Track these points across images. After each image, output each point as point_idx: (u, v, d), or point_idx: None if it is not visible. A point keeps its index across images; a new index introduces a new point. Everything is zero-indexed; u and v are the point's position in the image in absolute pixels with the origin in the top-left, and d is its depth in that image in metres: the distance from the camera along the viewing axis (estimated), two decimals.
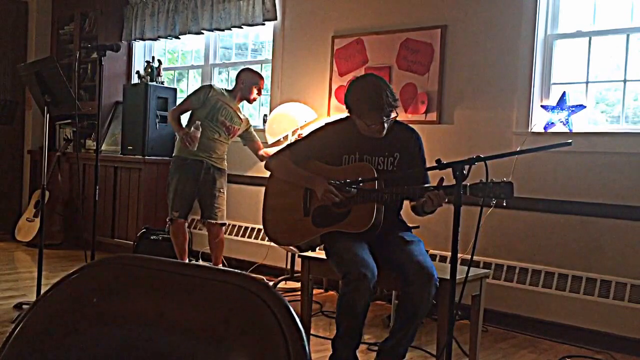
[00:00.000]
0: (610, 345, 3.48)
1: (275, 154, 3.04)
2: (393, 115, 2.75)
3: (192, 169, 4.43)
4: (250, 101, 4.61)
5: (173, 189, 4.47)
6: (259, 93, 4.60)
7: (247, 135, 4.67)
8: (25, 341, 0.96)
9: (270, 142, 4.78)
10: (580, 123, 3.82)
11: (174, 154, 4.56)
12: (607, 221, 3.61)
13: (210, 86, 4.59)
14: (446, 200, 2.51)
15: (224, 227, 4.63)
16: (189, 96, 4.55)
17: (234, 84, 4.66)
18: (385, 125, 2.74)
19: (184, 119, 4.61)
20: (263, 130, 4.93)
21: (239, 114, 4.57)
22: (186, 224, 4.63)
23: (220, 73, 5.94)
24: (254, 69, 4.77)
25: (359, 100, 2.72)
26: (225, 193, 4.59)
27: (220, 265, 4.69)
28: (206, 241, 5.49)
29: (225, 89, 4.61)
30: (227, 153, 5.61)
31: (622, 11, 3.77)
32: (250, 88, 4.54)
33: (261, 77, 4.63)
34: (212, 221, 4.51)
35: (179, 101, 5.80)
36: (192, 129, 4.30)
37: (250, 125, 4.69)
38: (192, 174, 4.44)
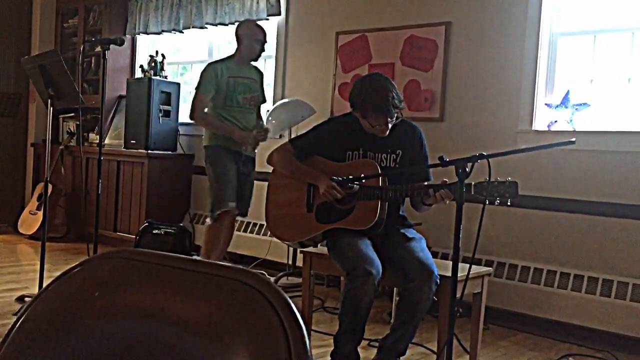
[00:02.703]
0: (611, 344, 3.47)
1: (278, 148, 3.03)
2: (397, 116, 2.75)
3: (233, 159, 4.11)
4: (256, 59, 4.21)
5: (222, 178, 4.04)
6: (263, 48, 4.18)
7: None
8: (27, 334, 0.96)
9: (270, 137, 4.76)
10: (584, 121, 3.81)
11: (206, 144, 4.15)
12: (610, 220, 3.60)
13: (211, 65, 4.14)
14: (452, 198, 2.51)
15: None
16: (198, 89, 4.09)
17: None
18: (390, 125, 2.74)
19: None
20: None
21: (252, 76, 4.20)
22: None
23: None
24: (251, 20, 4.45)
25: (364, 100, 2.72)
26: None
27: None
28: None
29: (227, 57, 4.20)
30: None
31: (627, 9, 3.75)
32: (251, 45, 4.13)
33: (260, 28, 4.18)
34: (240, 217, 4.30)
35: (182, 96, 5.82)
36: (256, 131, 4.05)
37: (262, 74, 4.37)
38: (234, 164, 4.11)
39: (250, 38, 4.11)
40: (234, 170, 4.09)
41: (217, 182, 4.07)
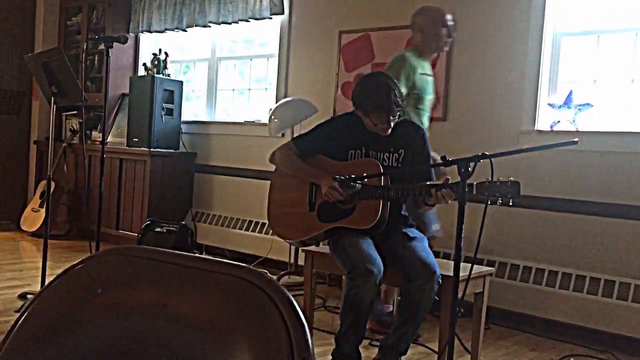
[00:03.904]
0: (613, 345, 3.47)
1: (280, 147, 3.03)
2: (400, 115, 2.75)
3: None
4: (442, 50, 3.54)
5: None
6: (449, 34, 3.46)
7: None
8: (29, 331, 0.96)
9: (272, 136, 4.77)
10: (587, 122, 3.80)
11: None
12: (612, 221, 3.60)
13: (405, 56, 3.39)
14: (454, 198, 2.51)
15: None
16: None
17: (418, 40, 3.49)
18: (391, 124, 2.75)
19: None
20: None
21: (431, 73, 3.55)
22: None
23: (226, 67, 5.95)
24: (429, 6, 3.59)
25: (367, 98, 2.72)
26: None
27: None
28: (211, 235, 5.52)
29: (411, 50, 3.47)
30: (230, 146, 5.64)
31: (630, 9, 3.74)
32: (437, 33, 3.42)
33: (442, 12, 3.47)
34: None
35: (185, 95, 5.82)
36: None
37: None
38: None
39: (432, 27, 3.43)
40: None
41: None
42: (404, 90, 3.17)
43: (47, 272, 3.59)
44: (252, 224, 5.28)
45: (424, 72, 3.42)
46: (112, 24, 6.18)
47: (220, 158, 5.64)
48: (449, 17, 3.47)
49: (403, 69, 3.30)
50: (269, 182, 3.08)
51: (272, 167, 3.06)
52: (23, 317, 0.97)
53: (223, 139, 5.62)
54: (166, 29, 5.93)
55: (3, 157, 6.67)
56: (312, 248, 3.00)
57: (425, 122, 3.45)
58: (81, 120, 6.20)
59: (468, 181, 2.19)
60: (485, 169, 2.20)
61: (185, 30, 5.83)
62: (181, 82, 5.79)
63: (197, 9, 5.64)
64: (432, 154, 3.07)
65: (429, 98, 3.46)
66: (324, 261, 2.93)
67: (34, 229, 5.93)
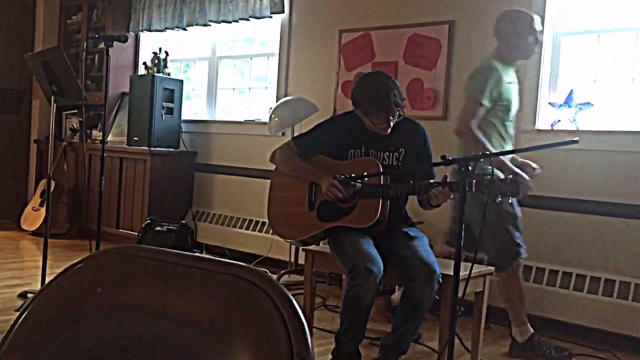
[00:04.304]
0: (613, 345, 3.47)
1: (280, 146, 3.03)
2: (400, 114, 2.75)
3: None
4: (529, 57, 3.29)
5: (503, 219, 3.15)
6: (537, 40, 3.21)
7: None
8: (29, 330, 0.96)
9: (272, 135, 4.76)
10: (587, 121, 3.80)
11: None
12: (612, 220, 3.59)
13: (490, 62, 3.16)
14: (452, 196, 2.51)
15: None
16: (471, 92, 3.13)
17: (495, 44, 3.26)
18: (391, 124, 2.75)
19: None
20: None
21: (516, 81, 3.29)
22: None
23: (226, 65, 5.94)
24: (515, 9, 3.29)
25: (366, 98, 2.72)
26: None
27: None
28: (211, 234, 5.52)
29: (495, 57, 3.21)
30: (230, 145, 5.64)
31: (631, 9, 3.74)
32: (524, 40, 3.18)
33: (529, 15, 3.22)
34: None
35: (185, 94, 5.82)
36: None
37: None
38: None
39: (519, 33, 3.18)
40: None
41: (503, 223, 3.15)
42: (486, 102, 3.07)
43: (47, 271, 3.59)
44: (253, 223, 5.28)
45: (510, 80, 3.19)
46: (112, 22, 6.18)
47: (220, 157, 5.64)
48: (536, 21, 3.20)
49: (490, 79, 3.09)
50: (269, 181, 3.08)
51: (272, 167, 3.06)
52: (23, 317, 0.97)
53: (223, 138, 5.62)
54: (166, 28, 5.93)
55: (3, 156, 6.67)
56: (312, 247, 3.00)
57: (512, 133, 3.23)
58: (81, 119, 6.20)
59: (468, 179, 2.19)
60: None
61: (185, 29, 5.83)
62: (181, 81, 5.79)
63: (198, 8, 5.63)
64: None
65: (516, 107, 3.23)
66: (324, 260, 2.93)
67: (34, 228, 5.93)
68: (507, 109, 3.15)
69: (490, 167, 2.91)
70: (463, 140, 3.15)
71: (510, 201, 3.01)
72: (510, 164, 3.08)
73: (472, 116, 3.07)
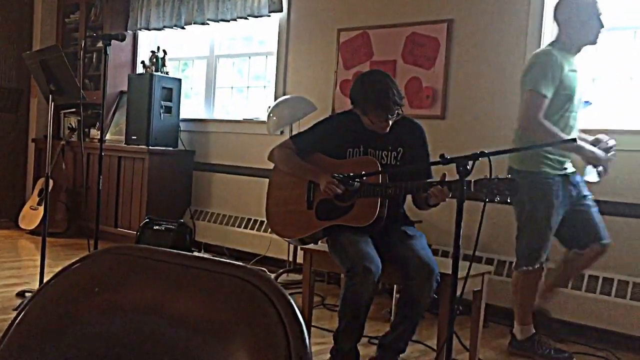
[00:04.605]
0: (612, 343, 3.47)
1: (278, 145, 3.03)
2: (398, 112, 2.75)
3: (561, 190, 3.09)
4: (593, 42, 3.09)
5: (543, 224, 3.08)
6: (601, 25, 3.04)
7: None
8: (27, 329, 0.96)
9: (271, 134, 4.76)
10: (586, 120, 3.80)
11: (524, 169, 3.08)
12: (610, 219, 3.59)
13: (547, 52, 3.03)
14: (450, 195, 2.51)
15: None
16: (531, 84, 2.97)
17: (555, 33, 3.13)
18: (390, 122, 2.74)
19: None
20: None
21: (579, 69, 3.12)
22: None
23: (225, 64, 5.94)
24: None
25: (365, 97, 2.72)
26: None
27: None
28: (209, 233, 5.52)
29: (555, 44, 3.07)
30: (229, 144, 5.64)
31: (629, 8, 3.74)
32: (586, 25, 3.02)
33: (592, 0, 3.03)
34: (604, 242, 3.19)
35: (183, 92, 5.82)
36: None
37: None
38: (561, 197, 3.09)
39: (584, 17, 3.02)
40: (560, 209, 3.10)
41: (528, 225, 3.13)
42: (549, 91, 2.93)
43: (46, 270, 3.59)
44: (251, 222, 5.28)
45: (572, 68, 3.03)
46: (110, 21, 6.17)
47: (218, 156, 5.64)
48: (599, 4, 3.02)
49: (548, 68, 2.94)
50: (267, 180, 3.07)
51: (271, 165, 3.06)
52: (21, 316, 0.97)
53: (221, 137, 5.62)
54: (164, 27, 5.92)
55: (1, 155, 6.66)
56: (311, 246, 3.00)
57: (575, 125, 3.09)
58: (79, 118, 6.19)
59: (466, 179, 2.19)
60: (484, 168, 2.20)
61: (183, 28, 5.82)
62: (179, 80, 5.79)
63: (196, 7, 5.63)
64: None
65: (579, 97, 3.07)
66: (323, 259, 2.93)
67: (32, 227, 5.93)
68: (569, 98, 3.01)
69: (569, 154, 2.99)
70: (532, 135, 3.00)
71: (588, 200, 3.14)
72: (587, 147, 3.02)
73: (537, 109, 2.94)
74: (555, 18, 3.11)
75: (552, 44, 3.09)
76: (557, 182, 3.06)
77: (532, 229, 3.11)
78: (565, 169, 3.09)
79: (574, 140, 2.56)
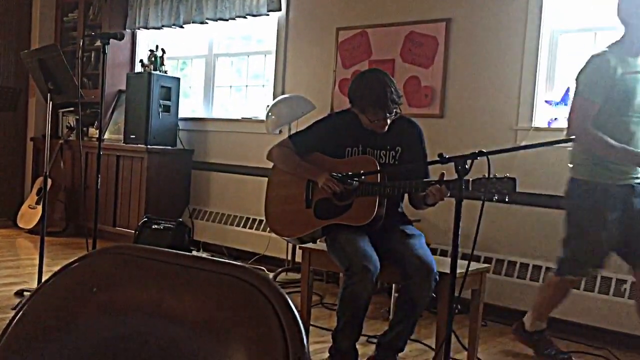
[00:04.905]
0: (609, 342, 3.48)
1: (277, 144, 3.03)
2: (396, 112, 2.75)
3: (620, 201, 2.88)
4: None
5: (591, 238, 2.93)
6: None
7: None
8: (25, 328, 0.96)
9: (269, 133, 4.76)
10: None
11: (580, 177, 2.93)
12: None
13: (598, 58, 2.84)
14: (448, 194, 2.51)
15: None
16: (580, 91, 2.85)
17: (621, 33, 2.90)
18: (388, 121, 2.74)
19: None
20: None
21: None
22: None
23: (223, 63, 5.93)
24: None
25: (363, 96, 2.72)
26: None
27: None
28: (208, 232, 5.52)
29: (614, 44, 2.89)
30: (227, 143, 5.64)
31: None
32: None
33: None
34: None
35: (182, 91, 5.82)
36: None
37: None
38: (620, 209, 2.87)
39: None
40: (617, 223, 2.88)
41: (577, 240, 3.00)
42: (598, 97, 2.78)
43: (44, 269, 3.58)
44: (250, 221, 5.28)
45: (630, 70, 2.81)
46: (108, 20, 6.17)
47: (217, 155, 5.64)
48: None
49: (599, 72, 2.80)
50: (266, 179, 3.07)
51: (270, 164, 3.06)
52: (19, 315, 0.97)
53: (220, 136, 5.62)
54: (163, 26, 5.92)
55: (0, 154, 6.66)
56: (310, 245, 3.00)
57: (638, 130, 2.85)
58: (78, 117, 6.18)
59: (464, 178, 2.19)
60: (482, 167, 2.20)
61: (182, 27, 5.82)
62: (178, 79, 5.79)
63: (194, 6, 5.62)
64: None
65: (638, 101, 2.83)
66: (321, 258, 2.93)
67: (30, 226, 5.92)
68: (626, 102, 2.81)
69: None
70: (582, 145, 2.87)
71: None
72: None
73: (585, 117, 2.79)
74: (619, 17, 2.88)
75: (611, 45, 2.89)
76: (617, 193, 2.84)
77: (579, 240, 2.97)
78: (631, 178, 2.85)
79: (574, 140, 2.54)
